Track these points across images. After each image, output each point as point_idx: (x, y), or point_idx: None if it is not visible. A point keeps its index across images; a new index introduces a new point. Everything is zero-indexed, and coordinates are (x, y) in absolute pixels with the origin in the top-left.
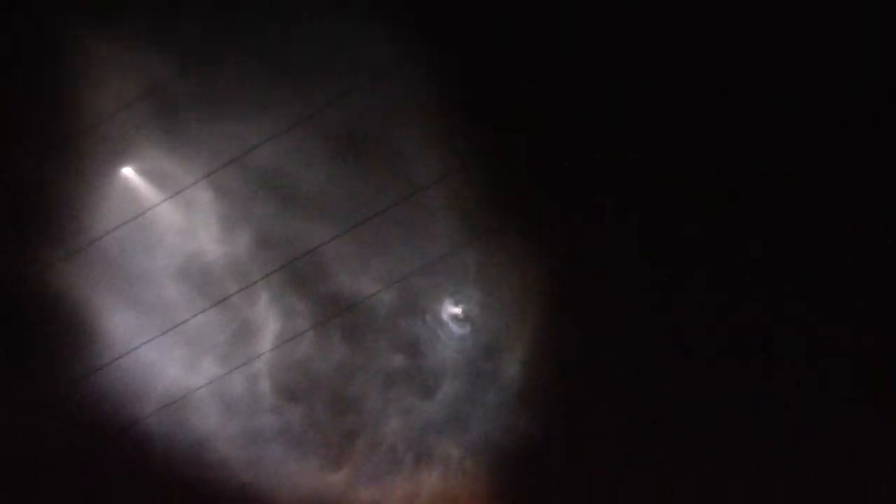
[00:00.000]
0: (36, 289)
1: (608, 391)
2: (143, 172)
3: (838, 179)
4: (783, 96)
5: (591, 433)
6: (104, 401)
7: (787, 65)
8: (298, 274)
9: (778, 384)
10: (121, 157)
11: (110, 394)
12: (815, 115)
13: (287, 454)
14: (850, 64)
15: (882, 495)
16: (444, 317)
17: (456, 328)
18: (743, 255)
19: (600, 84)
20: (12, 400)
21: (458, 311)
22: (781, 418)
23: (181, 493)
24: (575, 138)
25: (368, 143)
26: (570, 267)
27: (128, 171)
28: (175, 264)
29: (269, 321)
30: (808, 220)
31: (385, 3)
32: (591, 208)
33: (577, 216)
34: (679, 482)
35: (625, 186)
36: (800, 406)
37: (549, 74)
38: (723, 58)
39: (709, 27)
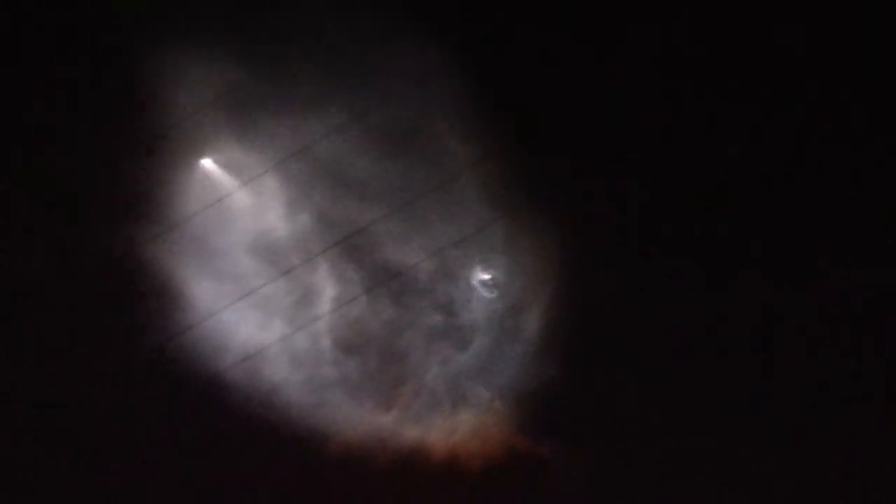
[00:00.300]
0: (134, 263)
1: (616, 343)
2: (220, 164)
3: (838, 179)
4: (783, 96)
5: (602, 377)
6: (192, 356)
7: (787, 64)
8: (352, 248)
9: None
10: (202, 152)
11: (196, 350)
12: (815, 115)
13: (345, 399)
14: (850, 64)
15: (882, 495)
16: (475, 282)
17: (485, 292)
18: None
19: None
20: (116, 357)
21: (486, 277)
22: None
23: (256, 432)
24: (588, 132)
25: (411, 137)
26: (583, 239)
27: (208, 163)
28: (248, 241)
29: (328, 288)
30: (808, 220)
31: (422, 21)
32: (603, 191)
33: (589, 197)
34: (680, 430)
35: (632, 174)
36: (800, 406)
37: (561, 72)
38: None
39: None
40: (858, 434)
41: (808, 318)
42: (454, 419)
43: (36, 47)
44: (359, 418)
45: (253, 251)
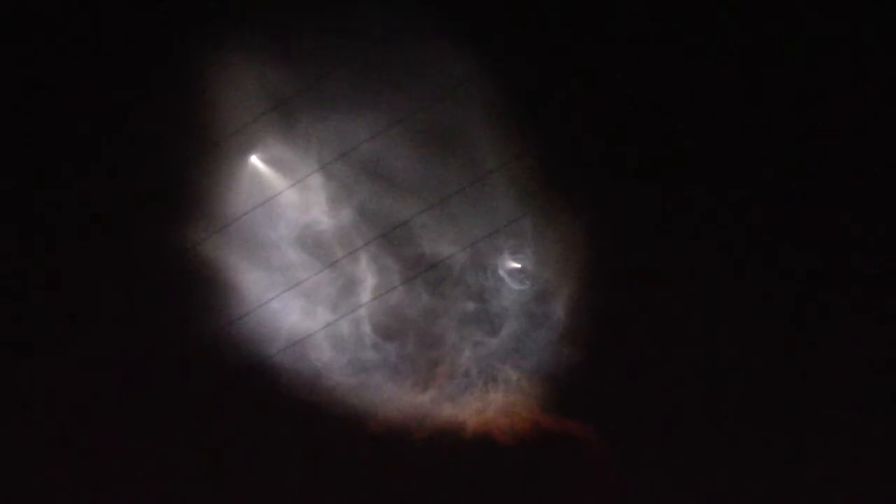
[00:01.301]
0: (190, 258)
1: (636, 328)
2: (271, 165)
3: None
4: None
5: (623, 360)
6: (243, 342)
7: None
8: (392, 241)
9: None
10: (254, 154)
11: (248, 337)
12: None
13: (385, 381)
14: (850, 63)
15: (882, 495)
16: (504, 272)
17: (514, 281)
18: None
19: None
20: (172, 344)
21: (515, 267)
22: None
23: (303, 413)
24: (610, 133)
25: (447, 139)
26: (605, 232)
27: (259, 165)
28: (296, 235)
29: (368, 278)
30: (819, 220)
31: (456, 29)
32: (623, 189)
33: (610, 196)
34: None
35: (652, 172)
36: (829, 387)
37: (586, 75)
38: None
39: None
40: (858, 434)
41: (808, 317)
42: (485, 398)
43: (113, 61)
44: (397, 398)
45: (300, 245)
